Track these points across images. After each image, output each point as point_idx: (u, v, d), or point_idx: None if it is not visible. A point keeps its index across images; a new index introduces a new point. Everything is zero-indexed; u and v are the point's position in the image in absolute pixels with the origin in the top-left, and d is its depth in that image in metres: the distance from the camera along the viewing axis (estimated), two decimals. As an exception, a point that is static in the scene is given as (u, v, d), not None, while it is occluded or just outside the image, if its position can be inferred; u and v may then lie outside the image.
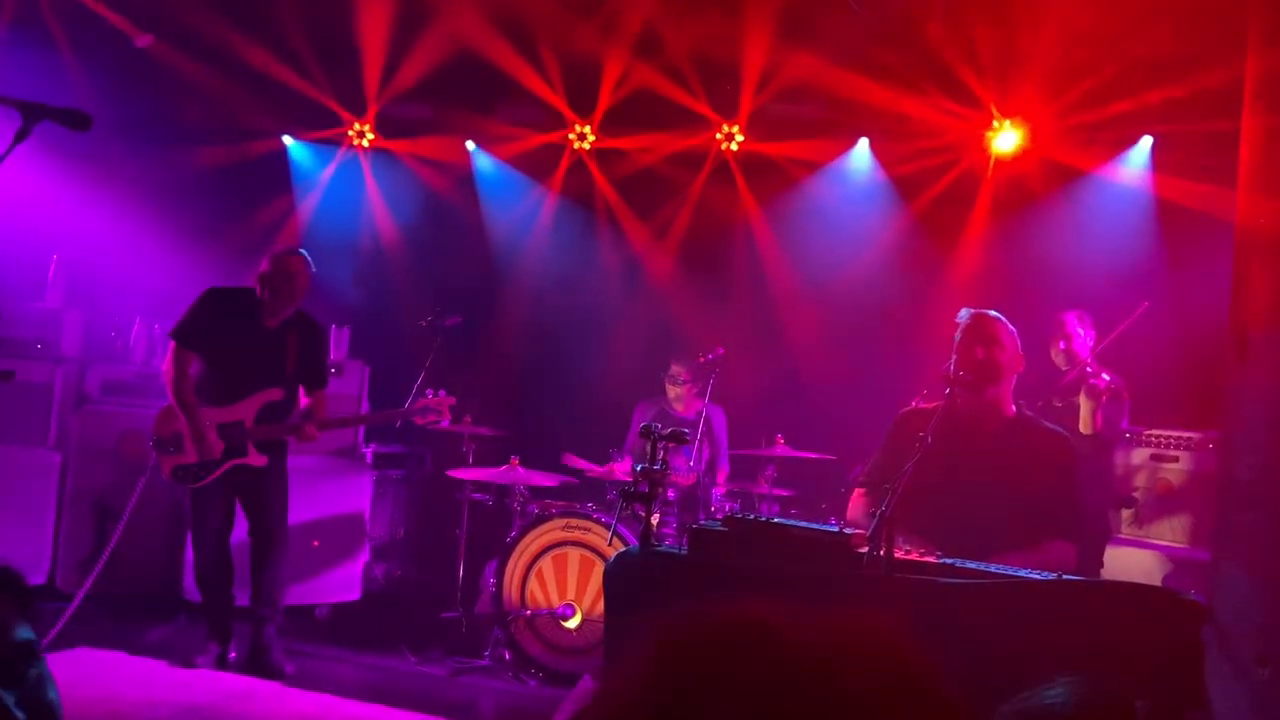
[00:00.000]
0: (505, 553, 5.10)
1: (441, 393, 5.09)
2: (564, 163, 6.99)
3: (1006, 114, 5.98)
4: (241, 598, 4.84)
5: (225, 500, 4.76)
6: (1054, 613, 2.54)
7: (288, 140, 7.21)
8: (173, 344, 4.73)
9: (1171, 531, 5.07)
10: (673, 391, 5.95)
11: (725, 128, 6.61)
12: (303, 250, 4.86)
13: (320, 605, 5.72)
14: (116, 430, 5.73)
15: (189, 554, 5.09)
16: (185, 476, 4.67)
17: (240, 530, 4.85)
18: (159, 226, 6.39)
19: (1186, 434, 5.08)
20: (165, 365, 4.74)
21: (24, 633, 1.30)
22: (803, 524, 3.03)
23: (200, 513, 4.75)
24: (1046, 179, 6.02)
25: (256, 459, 4.69)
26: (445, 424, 5.18)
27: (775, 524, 2.96)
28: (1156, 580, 4.88)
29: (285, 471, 4.87)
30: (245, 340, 4.72)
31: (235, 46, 6.37)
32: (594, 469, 5.65)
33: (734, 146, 6.66)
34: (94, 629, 4.92)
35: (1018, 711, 1.37)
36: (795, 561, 2.80)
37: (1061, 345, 5.22)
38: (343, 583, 5.78)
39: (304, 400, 4.91)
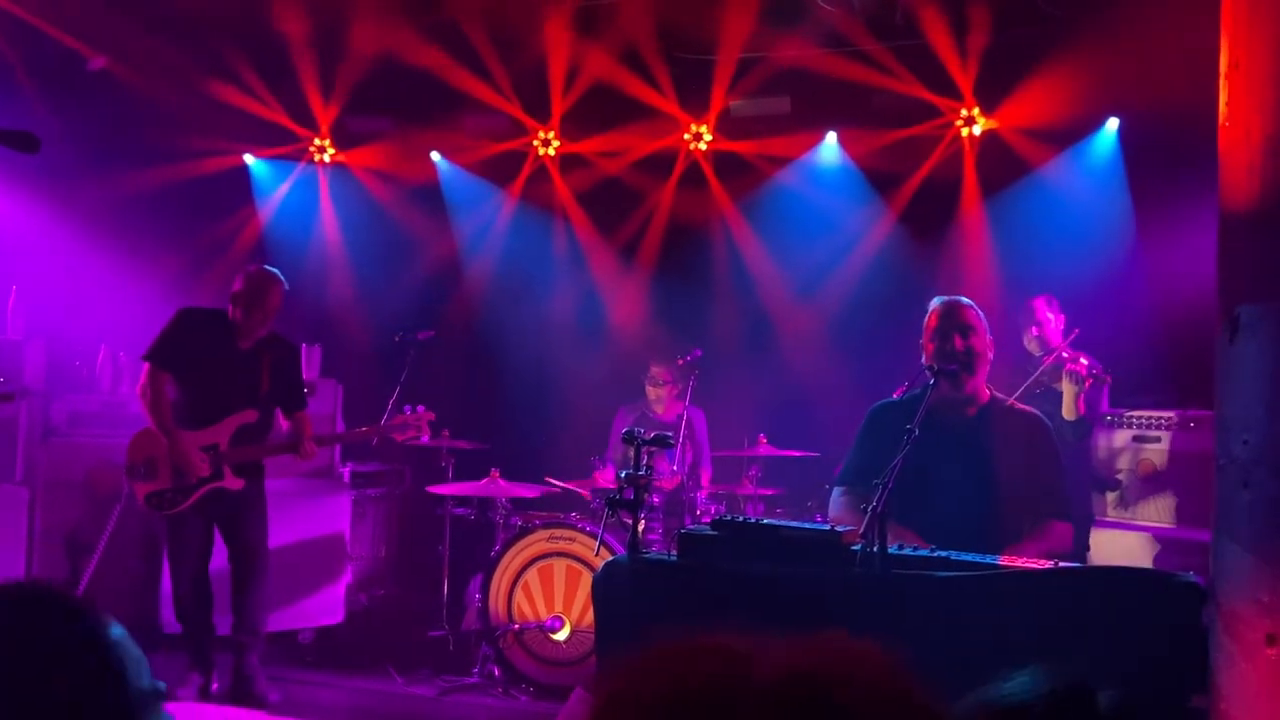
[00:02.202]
0: (490, 567, 5.02)
1: (420, 408, 5.03)
2: (528, 169, 6.92)
3: (975, 100, 5.97)
4: (222, 626, 4.73)
5: (203, 526, 4.65)
6: (1053, 601, 2.51)
7: (248, 158, 7.10)
8: (147, 366, 4.62)
9: (1157, 512, 5.07)
10: (653, 394, 5.91)
11: (694, 127, 6.57)
12: (275, 269, 4.77)
13: (303, 630, 5.61)
14: (85, 462, 5.59)
15: (166, 585, 4.97)
16: (160, 503, 4.56)
17: (219, 557, 4.74)
18: (120, 251, 6.27)
19: (1167, 414, 5.09)
20: (140, 388, 4.63)
21: (154, 682, 1.21)
22: (793, 524, 2.99)
23: (177, 540, 4.64)
24: (1016, 164, 6.02)
25: (233, 482, 4.59)
26: (425, 440, 5.12)
27: (765, 525, 2.92)
28: (1145, 562, 4.88)
29: (263, 495, 4.77)
30: (219, 361, 4.63)
31: (189, 67, 6.26)
32: (576, 486, 5.58)
33: (703, 146, 6.62)
34: (71, 666, 4.78)
35: (979, 704, 1.33)
36: (788, 562, 2.76)
37: (1034, 331, 5.22)
38: (325, 606, 5.67)
39: (283, 423, 4.81)
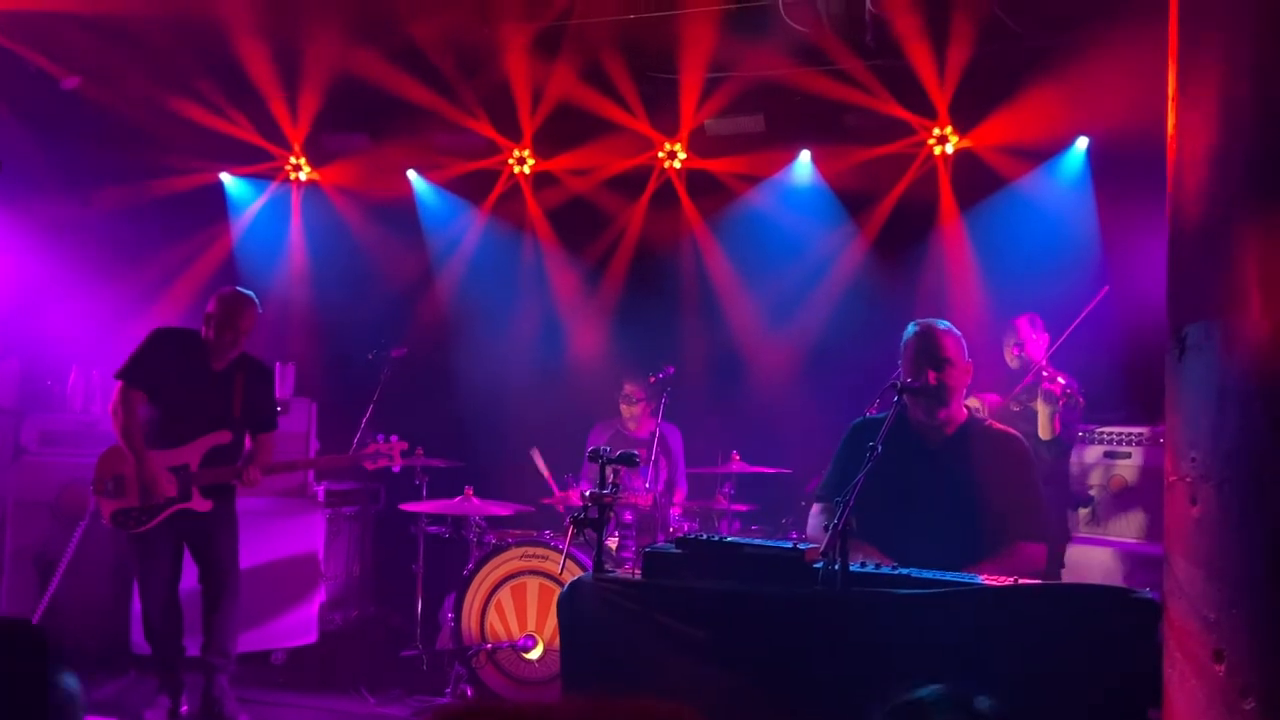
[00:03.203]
0: (463, 586, 5.00)
1: (393, 438, 5.04)
2: (501, 188, 6.94)
3: (949, 119, 6.02)
4: (192, 647, 4.69)
5: (172, 547, 4.62)
6: (1010, 618, 2.52)
7: (224, 177, 7.09)
8: (119, 384, 4.60)
9: (1128, 527, 5.10)
10: (627, 411, 5.91)
11: (667, 145, 6.60)
12: (248, 290, 4.77)
13: (276, 650, 5.57)
14: (56, 481, 5.55)
15: (136, 605, 4.93)
16: (126, 521, 4.52)
17: (190, 578, 4.71)
18: (93, 270, 6.25)
19: (1138, 429, 5.13)
20: (112, 406, 4.60)
21: (70, 682, 1.26)
22: (756, 542, 3.00)
23: (146, 561, 4.60)
24: (986, 183, 6.07)
25: (200, 504, 4.57)
26: (396, 469, 5.12)
27: (728, 543, 2.93)
28: (1117, 577, 4.90)
29: (234, 516, 4.74)
30: (192, 382, 4.62)
31: (161, 87, 6.25)
32: (551, 502, 5.57)
33: (676, 164, 6.65)
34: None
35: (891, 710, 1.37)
36: (751, 580, 2.77)
37: (1015, 350, 5.25)
38: (298, 626, 5.63)
39: (249, 443, 4.79)
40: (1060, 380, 4.86)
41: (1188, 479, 2.05)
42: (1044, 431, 4.91)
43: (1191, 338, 2.07)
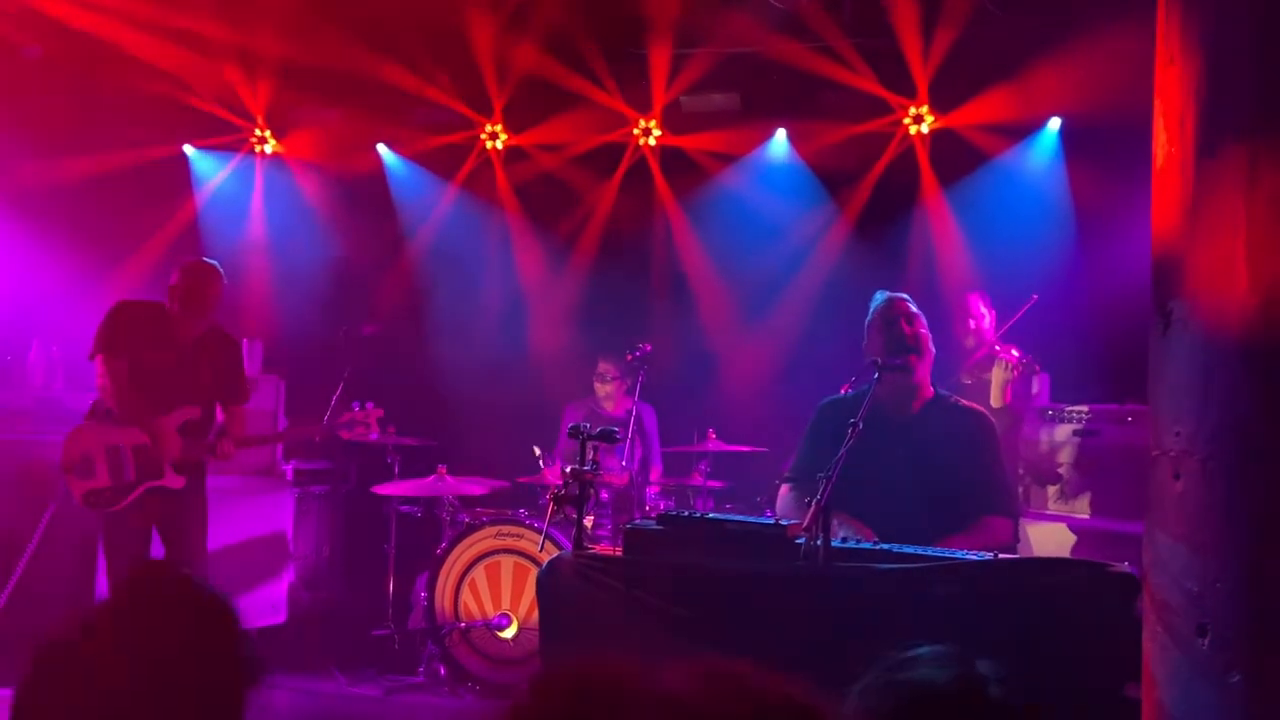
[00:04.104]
0: (436, 565, 4.97)
1: (369, 405, 4.93)
2: (472, 163, 6.86)
3: (926, 99, 6.02)
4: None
5: (141, 526, 4.50)
6: (991, 591, 2.53)
7: (188, 149, 6.94)
8: (100, 357, 4.45)
9: (1095, 506, 5.16)
10: (601, 390, 5.88)
11: (643, 122, 6.55)
12: (213, 261, 4.65)
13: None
14: (17, 460, 5.42)
15: (101, 587, 4.83)
16: (98, 501, 4.40)
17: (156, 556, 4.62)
18: (50, 244, 6.09)
19: (1107, 407, 5.18)
20: (102, 381, 4.44)
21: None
22: (738, 518, 2.99)
23: (115, 541, 4.47)
24: (959, 161, 6.09)
25: (173, 480, 4.45)
26: (374, 437, 5.02)
27: (710, 519, 2.92)
28: (1086, 554, 4.96)
29: (204, 494, 4.64)
30: (158, 356, 4.48)
31: (131, 56, 6.09)
32: (526, 481, 5.53)
33: (651, 141, 6.60)
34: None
35: (886, 682, 1.36)
36: (733, 556, 2.76)
37: (971, 325, 5.32)
38: (267, 605, 5.56)
39: (220, 417, 4.70)
40: (1014, 352, 4.96)
41: (1171, 453, 2.06)
42: (995, 400, 5.00)
43: (1176, 312, 2.07)
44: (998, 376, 4.98)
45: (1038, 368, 4.96)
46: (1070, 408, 5.26)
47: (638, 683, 0.79)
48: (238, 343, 4.86)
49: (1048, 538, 5.14)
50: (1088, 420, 5.19)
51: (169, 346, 4.51)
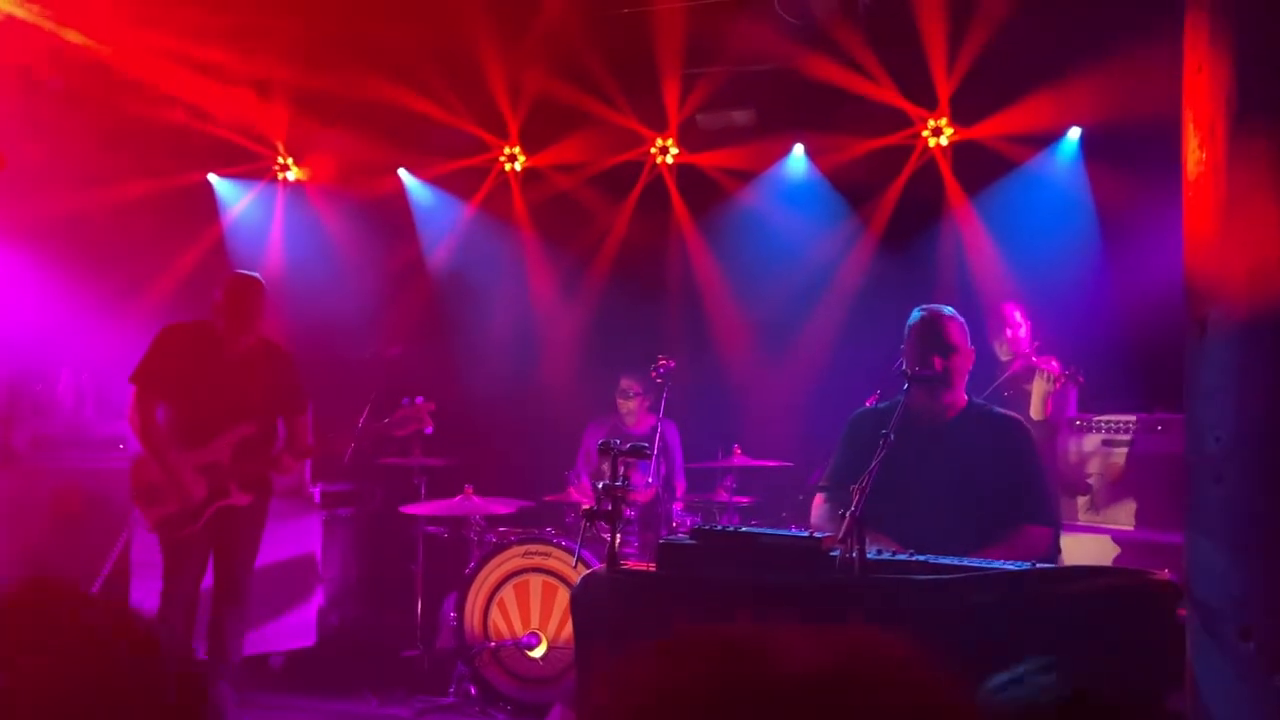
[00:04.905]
0: (464, 585, 4.97)
1: (419, 399, 4.88)
2: (491, 184, 6.91)
3: (942, 108, 6.03)
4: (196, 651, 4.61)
5: (205, 548, 4.46)
6: (1030, 602, 2.52)
7: (212, 177, 7.03)
8: (134, 389, 4.45)
9: (1127, 515, 5.12)
10: (624, 407, 5.89)
11: (659, 141, 6.59)
12: (255, 273, 4.66)
13: (274, 654, 5.52)
14: (49, 486, 5.48)
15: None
16: (170, 527, 4.38)
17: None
18: (76, 273, 6.16)
19: (1134, 417, 5.16)
20: (130, 413, 4.45)
21: None
22: (772, 531, 2.99)
23: (177, 565, 4.41)
24: (983, 171, 6.09)
25: (240, 498, 4.43)
26: (429, 430, 4.94)
27: (744, 533, 2.92)
28: (1118, 564, 4.92)
29: (265, 515, 4.60)
30: (207, 375, 4.46)
31: (153, 86, 6.18)
32: (553, 499, 5.52)
33: (669, 160, 6.64)
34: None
35: (989, 700, 1.35)
36: (767, 570, 2.76)
37: (1008, 334, 5.27)
38: (297, 628, 5.58)
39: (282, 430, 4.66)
40: (1054, 363, 4.92)
41: (1212, 458, 2.05)
42: (1036, 411, 4.96)
43: (1213, 317, 2.07)
44: (1039, 388, 4.93)
45: (1081, 380, 4.89)
46: (1099, 417, 5.23)
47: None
48: (289, 354, 4.74)
49: (1077, 548, 5.10)
50: (1117, 430, 5.17)
51: (218, 364, 4.48)
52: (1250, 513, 1.97)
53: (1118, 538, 5.01)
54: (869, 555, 2.66)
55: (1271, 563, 1.93)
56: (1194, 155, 2.18)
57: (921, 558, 2.72)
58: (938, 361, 3.28)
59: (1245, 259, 2.01)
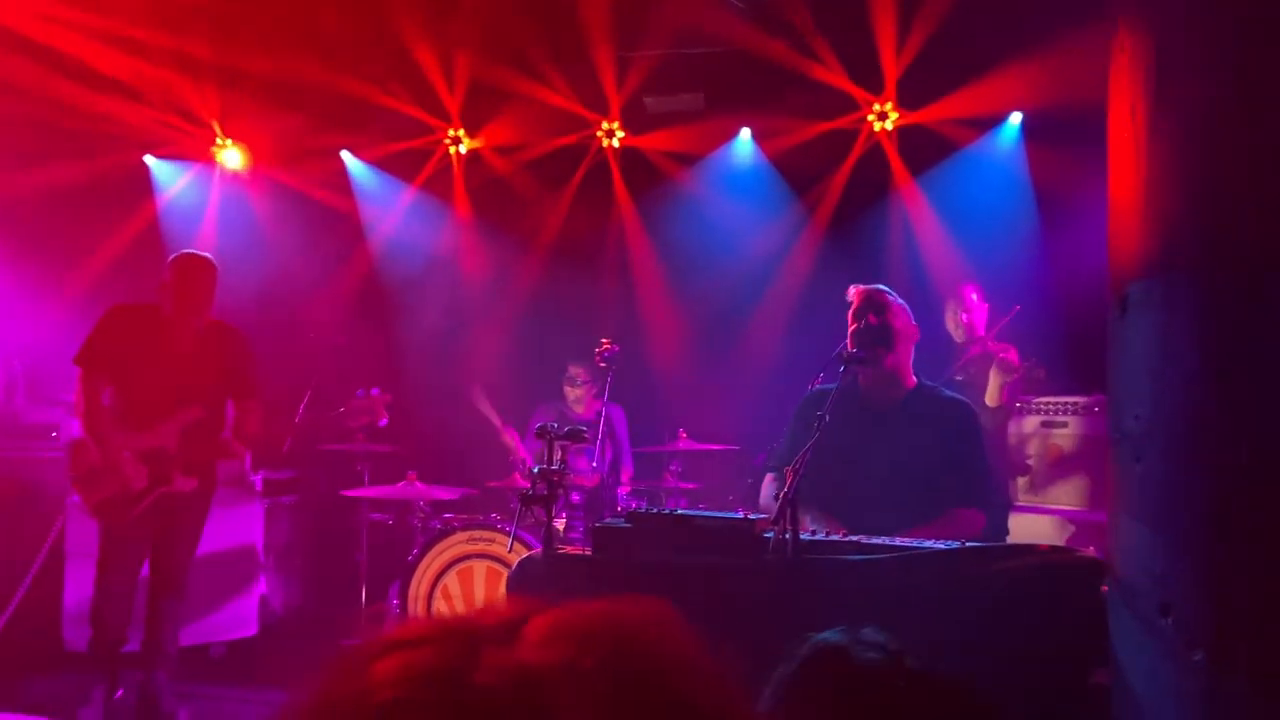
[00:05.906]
0: (408, 572, 4.92)
1: (374, 391, 4.79)
2: (432, 169, 6.83)
3: (888, 92, 6.05)
4: (130, 641, 4.51)
5: (145, 539, 4.34)
6: (957, 580, 2.53)
7: (149, 159, 6.86)
8: (79, 371, 4.29)
9: (1066, 495, 5.20)
10: (572, 394, 5.86)
11: (605, 124, 6.54)
12: (205, 253, 4.51)
13: (215, 644, 5.43)
14: (-22, 477, 5.34)
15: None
16: (111, 511, 4.26)
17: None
18: (8, 256, 5.99)
19: (1073, 399, 5.23)
20: (74, 396, 4.30)
21: None
22: (706, 513, 2.98)
23: (115, 554, 4.30)
24: (922, 155, 6.13)
25: (183, 484, 4.30)
26: (383, 423, 4.86)
27: (678, 515, 2.90)
28: (1058, 544, 4.99)
29: (210, 499, 4.48)
30: (155, 358, 4.32)
31: (89, 67, 6.01)
32: (497, 485, 5.49)
33: (615, 143, 6.60)
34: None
35: (822, 654, 1.37)
36: (701, 551, 2.75)
37: (964, 317, 5.31)
38: (237, 618, 5.50)
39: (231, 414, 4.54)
40: (1013, 353, 4.97)
41: (1132, 436, 2.07)
42: (991, 399, 4.99)
43: (1134, 295, 2.09)
44: (995, 379, 4.97)
45: (1041, 374, 4.92)
46: (1038, 399, 5.30)
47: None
48: (243, 336, 4.59)
49: (1017, 527, 5.17)
50: (1056, 411, 5.24)
51: (166, 347, 4.35)
52: (1169, 490, 1.99)
53: (1072, 518, 5.08)
54: (803, 537, 2.66)
55: (1190, 540, 1.95)
56: (1116, 135, 2.19)
57: (854, 538, 2.73)
58: (872, 318, 3.31)
59: (1162, 237, 2.03)
